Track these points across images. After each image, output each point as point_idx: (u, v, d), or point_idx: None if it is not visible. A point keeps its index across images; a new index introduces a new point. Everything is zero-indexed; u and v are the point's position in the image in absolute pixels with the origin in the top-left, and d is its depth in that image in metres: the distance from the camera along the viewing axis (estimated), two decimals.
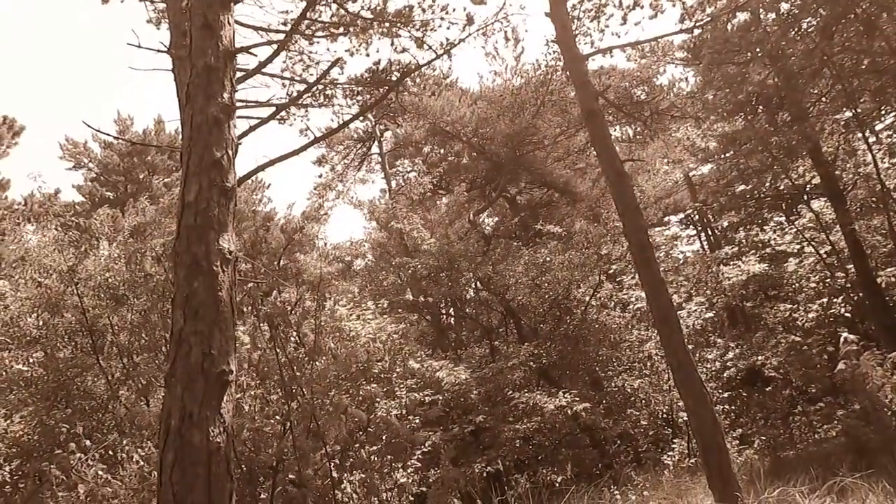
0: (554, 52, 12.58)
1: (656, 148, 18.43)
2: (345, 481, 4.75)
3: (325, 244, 18.04)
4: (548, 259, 12.70)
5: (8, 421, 9.41)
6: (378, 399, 5.81)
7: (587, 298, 12.72)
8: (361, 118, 18.55)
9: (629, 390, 11.34)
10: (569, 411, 9.06)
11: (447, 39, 10.62)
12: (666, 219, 24.61)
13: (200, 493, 2.78)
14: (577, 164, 17.59)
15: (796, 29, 11.27)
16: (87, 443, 6.54)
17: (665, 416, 11.70)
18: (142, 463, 5.68)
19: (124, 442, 7.03)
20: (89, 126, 6.25)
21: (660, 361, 11.92)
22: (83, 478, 5.49)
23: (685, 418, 11.23)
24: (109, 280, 9.39)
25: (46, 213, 18.92)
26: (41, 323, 9.58)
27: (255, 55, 6.26)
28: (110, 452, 7.40)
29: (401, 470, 5.65)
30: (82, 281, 9.19)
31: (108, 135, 7.77)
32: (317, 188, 21.55)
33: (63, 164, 27.68)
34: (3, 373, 9.81)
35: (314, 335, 5.21)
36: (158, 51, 8.89)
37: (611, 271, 13.54)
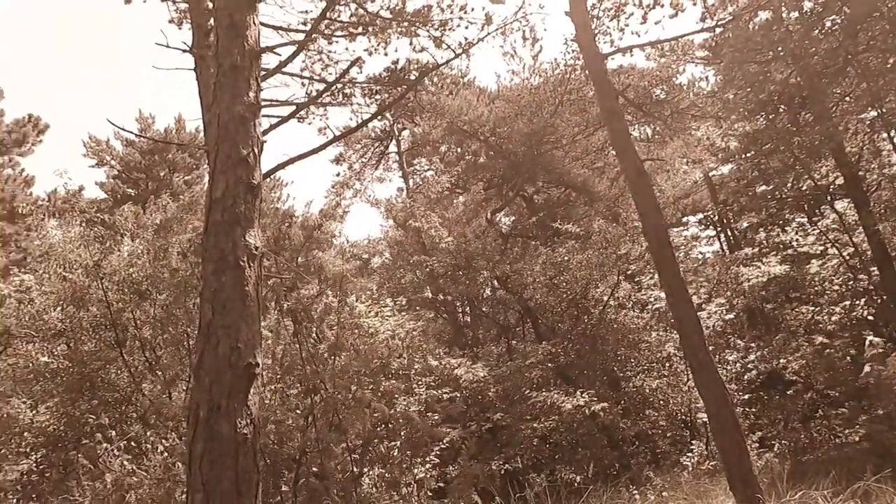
0: (573, 51, 12.54)
1: (675, 147, 18.28)
2: (365, 475, 4.80)
3: (344, 242, 18.18)
4: (566, 258, 12.67)
5: (34, 411, 9.63)
6: (397, 395, 5.85)
7: (605, 298, 12.66)
8: (379, 117, 18.65)
9: (647, 391, 11.27)
10: (587, 411, 9.04)
11: (465, 39, 10.62)
12: (685, 219, 24.39)
13: (229, 484, 2.84)
14: (596, 163, 17.51)
15: (820, 27, 11.11)
16: (113, 433, 6.67)
17: (683, 417, 11.61)
18: (166, 454, 5.79)
19: (148, 433, 7.16)
20: (113, 124, 6.38)
21: (678, 362, 11.83)
22: (109, 467, 5.61)
23: (704, 420, 11.15)
24: (133, 275, 9.55)
25: (71, 210, 19.25)
26: (66, 316, 9.77)
27: (279, 55, 6.34)
28: (133, 443, 7.54)
29: (420, 465, 5.69)
30: (107, 276, 9.36)
31: (130, 132, 7.93)
32: (334, 186, 21.71)
33: (86, 162, 28.18)
34: (30, 364, 10.03)
35: (336, 330, 5.27)
36: (184, 51, 9.04)
37: (629, 271, 13.47)
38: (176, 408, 6.59)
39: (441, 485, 6.72)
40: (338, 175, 22.20)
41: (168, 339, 9.41)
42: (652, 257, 7.57)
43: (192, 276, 8.48)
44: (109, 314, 9.23)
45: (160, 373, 9.24)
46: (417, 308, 11.37)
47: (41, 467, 9.13)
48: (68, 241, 10.72)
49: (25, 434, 9.31)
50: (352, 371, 5.07)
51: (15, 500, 8.70)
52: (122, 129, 9.31)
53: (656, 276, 13.63)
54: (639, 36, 10.90)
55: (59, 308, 9.81)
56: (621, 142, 7.54)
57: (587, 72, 10.57)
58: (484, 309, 15.25)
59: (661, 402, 11.19)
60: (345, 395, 4.75)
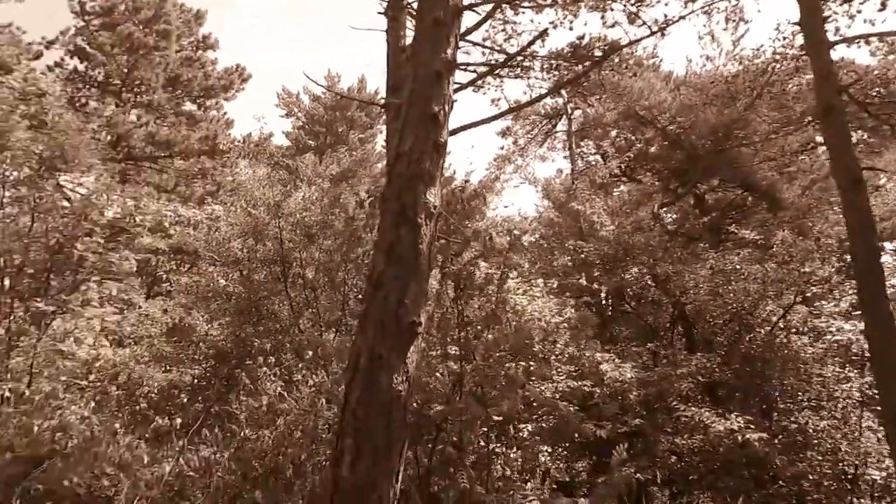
0: (784, 37, 11.16)
1: (890, 160, 15.76)
2: (499, 454, 4.70)
3: (497, 215, 18.18)
4: (737, 267, 11.47)
5: (209, 326, 10.88)
6: (535, 378, 5.66)
7: (775, 318, 11.31)
8: (554, 94, 18.15)
9: (811, 430, 9.93)
10: (739, 438, 8.18)
11: (665, 16, 9.81)
12: (881, 244, 21.13)
13: (379, 436, 2.86)
14: (789, 167, 15.60)
15: None
16: (271, 360, 7.26)
17: (848, 469, 10.11)
18: (314, 389, 6.15)
19: (300, 366, 7.71)
20: (307, 76, 6.82)
21: (854, 405, 10.28)
22: (265, 390, 6.09)
23: (876, 477, 9.67)
24: (305, 219, 10.28)
25: (263, 152, 21.30)
26: (245, 247, 10.83)
27: (480, 14, 6.26)
28: (285, 372, 8.18)
29: (551, 455, 5.47)
30: (284, 216, 10.16)
31: (320, 86, 8.45)
32: (496, 159, 21.70)
33: (276, 112, 30.99)
34: (210, 284, 11.31)
35: (492, 303, 5.18)
36: (379, 12, 9.43)
37: (809, 293, 11.88)
38: (329, 348, 6.98)
39: (567, 479, 6.47)
40: (502, 148, 22.18)
41: (328, 283, 10.04)
42: (857, 282, 6.52)
43: (364, 226, 8.91)
44: (281, 251, 10.04)
45: (316, 312, 9.93)
46: (567, 294, 11.00)
47: (209, 376, 10.31)
48: (256, 180, 11.82)
49: (200, 344, 10.55)
50: (504, 346, 4.97)
51: (185, 399, 9.89)
52: (314, 82, 9.93)
53: (842, 303, 11.95)
54: (872, 25, 9.38)
55: (240, 239, 10.88)
56: (838, 143, 6.53)
57: (803, 61, 9.33)
58: (633, 305, 14.41)
59: (829, 447, 9.79)
60: (496, 371, 4.66)
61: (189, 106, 23.99)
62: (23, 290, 8.37)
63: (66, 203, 10.18)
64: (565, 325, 7.98)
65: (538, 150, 22.54)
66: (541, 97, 14.27)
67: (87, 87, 21.65)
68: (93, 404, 6.12)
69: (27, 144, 8.88)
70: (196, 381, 10.04)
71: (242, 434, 5.31)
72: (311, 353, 7.33)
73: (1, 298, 7.85)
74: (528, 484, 5.21)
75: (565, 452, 6.29)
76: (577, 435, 5.65)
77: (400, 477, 2.94)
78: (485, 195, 5.47)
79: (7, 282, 8.17)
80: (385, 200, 3.33)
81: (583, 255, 12.43)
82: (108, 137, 19.33)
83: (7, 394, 6.19)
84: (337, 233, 10.14)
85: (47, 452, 4.28)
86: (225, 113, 24.83)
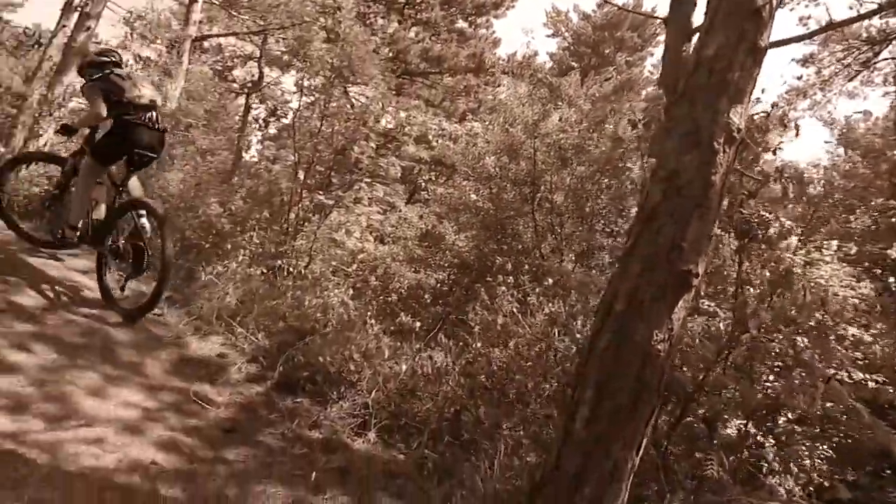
0: None
1: None
2: (758, 446, 3.93)
3: (778, 159, 15.50)
4: None
5: (456, 236, 11.38)
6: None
7: None
8: (888, 11, 14.32)
9: None
10: None
11: None
12: None
13: (626, 395, 2.44)
14: None
15: None
16: (510, 279, 7.22)
17: None
18: (548, 317, 5.93)
19: (537, 290, 7.56)
20: None
21: None
22: (501, 309, 6.06)
23: None
24: (561, 141, 9.84)
25: (527, 67, 21.14)
26: (498, 165, 10.88)
27: None
28: (520, 295, 8.13)
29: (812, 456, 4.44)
30: (540, 136, 9.86)
31: None
32: (789, 92, 18.31)
33: (543, 32, 30.31)
34: (462, 197, 11.74)
35: (788, 264, 4.25)
36: None
37: None
38: (571, 280, 6.66)
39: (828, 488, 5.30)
40: (799, 78, 18.58)
41: (575, 211, 9.63)
42: None
43: (634, 150, 8.17)
44: (533, 172, 9.83)
45: (559, 239, 9.64)
46: (865, 263, 8.89)
47: (451, 283, 10.88)
48: (516, 97, 11.65)
49: (447, 252, 11.13)
50: (799, 320, 4.04)
51: (428, 300, 10.61)
52: None
53: None
54: None
55: (494, 156, 10.95)
56: None
57: None
58: None
59: None
60: (783, 347, 3.84)
61: (461, 23, 24.61)
62: (312, 183, 9.61)
63: (349, 109, 11.24)
64: (856, 300, 6.42)
65: (846, 85, 18.35)
66: (871, 13, 11.36)
67: (376, 3, 23.45)
68: (352, 291, 6.79)
69: (322, 54, 9.88)
70: (439, 285, 10.65)
71: (475, 347, 5.35)
72: (550, 280, 7.08)
73: (295, 188, 9.04)
74: (781, 481, 4.36)
75: (831, 456, 5.10)
76: (870, 439, 4.47)
77: (642, 449, 2.51)
78: (797, 125, 4.33)
79: (301, 175, 9.44)
80: (671, 120, 2.70)
81: (894, 218, 9.89)
82: (389, 53, 20.84)
83: (291, 269, 7.20)
84: (592, 159, 9.53)
85: (310, 328, 4.81)
86: (493, 31, 24.98)
